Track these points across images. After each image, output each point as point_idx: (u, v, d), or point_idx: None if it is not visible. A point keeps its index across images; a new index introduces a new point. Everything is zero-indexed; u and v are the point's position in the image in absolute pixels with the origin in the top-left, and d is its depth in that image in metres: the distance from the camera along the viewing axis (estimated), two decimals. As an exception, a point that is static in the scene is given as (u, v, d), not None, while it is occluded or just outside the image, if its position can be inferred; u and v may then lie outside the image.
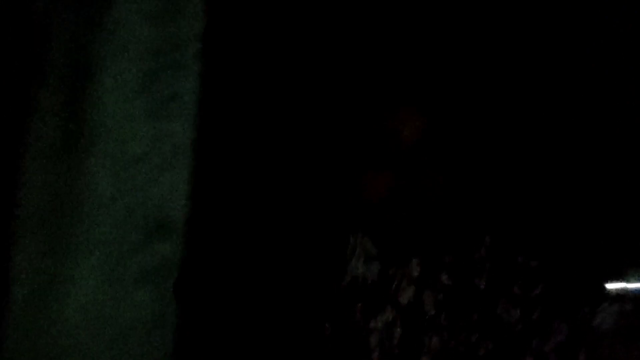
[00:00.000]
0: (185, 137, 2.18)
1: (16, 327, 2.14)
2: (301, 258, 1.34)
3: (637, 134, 2.22)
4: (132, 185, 2.17)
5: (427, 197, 1.19)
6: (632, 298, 1.16)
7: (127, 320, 2.05)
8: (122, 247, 2.10)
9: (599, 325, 1.17)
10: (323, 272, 1.31)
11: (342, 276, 1.28)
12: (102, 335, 2.07)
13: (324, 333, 1.26)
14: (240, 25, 2.19)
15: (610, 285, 1.20)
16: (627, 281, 1.32)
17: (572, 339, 1.16)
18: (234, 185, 2.07)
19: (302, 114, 2.01)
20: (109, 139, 2.20)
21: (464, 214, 1.24)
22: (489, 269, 1.22)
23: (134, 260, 2.11)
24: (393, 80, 1.25)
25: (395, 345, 1.23)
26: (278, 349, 1.29)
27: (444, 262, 1.23)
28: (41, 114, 2.30)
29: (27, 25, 2.37)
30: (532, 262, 1.22)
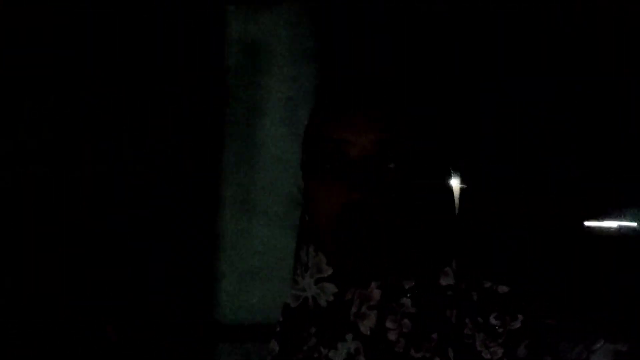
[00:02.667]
0: None
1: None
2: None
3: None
4: None
5: (384, 213, 1.08)
6: (628, 338, 1.05)
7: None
8: None
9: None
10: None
11: (291, 295, 1.17)
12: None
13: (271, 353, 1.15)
14: None
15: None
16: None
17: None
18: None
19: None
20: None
21: (426, 232, 1.13)
22: (459, 297, 1.11)
23: None
24: (345, 88, 1.15)
25: None
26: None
27: (405, 287, 1.11)
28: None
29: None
30: (500, 287, 1.11)
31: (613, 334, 1.07)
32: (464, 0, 2.87)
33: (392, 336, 1.10)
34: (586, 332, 1.08)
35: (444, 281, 1.12)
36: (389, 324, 1.11)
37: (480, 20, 2.87)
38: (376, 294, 1.13)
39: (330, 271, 1.15)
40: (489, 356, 1.08)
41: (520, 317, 1.08)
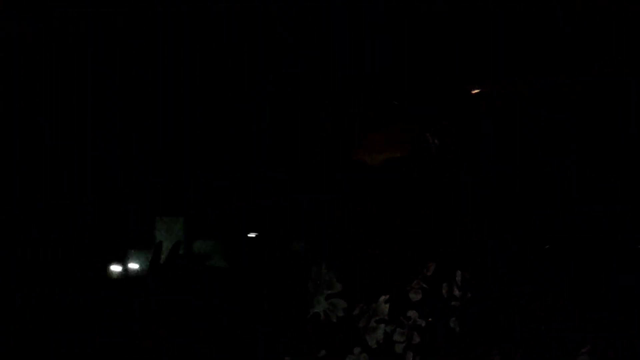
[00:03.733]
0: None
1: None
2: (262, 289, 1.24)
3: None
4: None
5: (393, 228, 1.09)
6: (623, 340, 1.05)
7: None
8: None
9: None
10: (284, 303, 1.21)
11: (302, 310, 1.17)
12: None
13: None
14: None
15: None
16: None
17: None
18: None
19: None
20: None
21: (431, 246, 1.14)
22: (463, 307, 1.11)
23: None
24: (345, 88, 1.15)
25: None
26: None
27: (412, 300, 1.12)
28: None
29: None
30: (500, 296, 1.11)
31: (607, 337, 1.07)
32: (464, 0, 2.86)
33: (399, 349, 1.11)
34: (577, 335, 1.08)
35: (447, 292, 1.12)
36: (396, 337, 1.11)
37: (480, 20, 2.86)
38: (384, 307, 1.13)
39: (340, 287, 1.16)
40: None
41: (517, 325, 1.08)
